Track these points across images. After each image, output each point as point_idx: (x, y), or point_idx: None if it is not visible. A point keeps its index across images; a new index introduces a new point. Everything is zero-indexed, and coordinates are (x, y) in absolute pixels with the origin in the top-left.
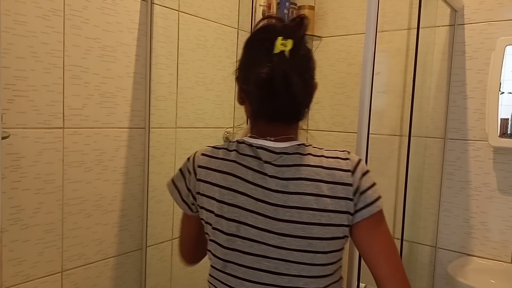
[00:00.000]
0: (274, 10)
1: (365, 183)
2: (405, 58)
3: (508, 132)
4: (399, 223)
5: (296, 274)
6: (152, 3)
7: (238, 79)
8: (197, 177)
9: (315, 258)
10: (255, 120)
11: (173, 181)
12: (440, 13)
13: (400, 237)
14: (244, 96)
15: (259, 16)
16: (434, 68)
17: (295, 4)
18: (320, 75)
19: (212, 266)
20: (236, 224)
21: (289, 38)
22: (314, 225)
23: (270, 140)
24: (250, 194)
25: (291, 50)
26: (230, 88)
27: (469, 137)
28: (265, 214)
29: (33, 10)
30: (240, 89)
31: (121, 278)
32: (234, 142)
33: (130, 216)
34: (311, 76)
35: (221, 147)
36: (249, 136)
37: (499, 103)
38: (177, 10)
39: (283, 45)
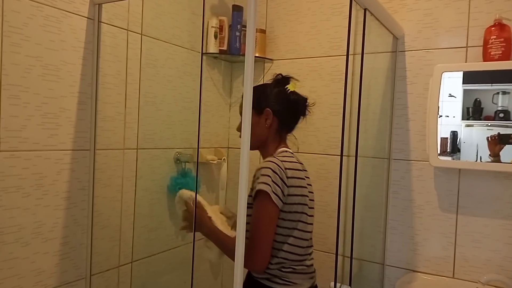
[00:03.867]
0: (226, 32)
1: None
2: (350, 82)
3: (448, 150)
4: (348, 242)
5: None
6: (99, 21)
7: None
8: (288, 184)
9: None
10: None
11: (270, 186)
12: (383, 40)
13: (349, 256)
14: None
15: (211, 37)
16: (379, 92)
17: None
18: None
19: (297, 246)
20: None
21: None
22: None
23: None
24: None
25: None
26: (181, 108)
27: (412, 157)
28: None
29: None
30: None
31: None
32: (286, 152)
33: (73, 243)
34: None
35: (292, 160)
36: (285, 147)
37: (439, 124)
38: (126, 29)
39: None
